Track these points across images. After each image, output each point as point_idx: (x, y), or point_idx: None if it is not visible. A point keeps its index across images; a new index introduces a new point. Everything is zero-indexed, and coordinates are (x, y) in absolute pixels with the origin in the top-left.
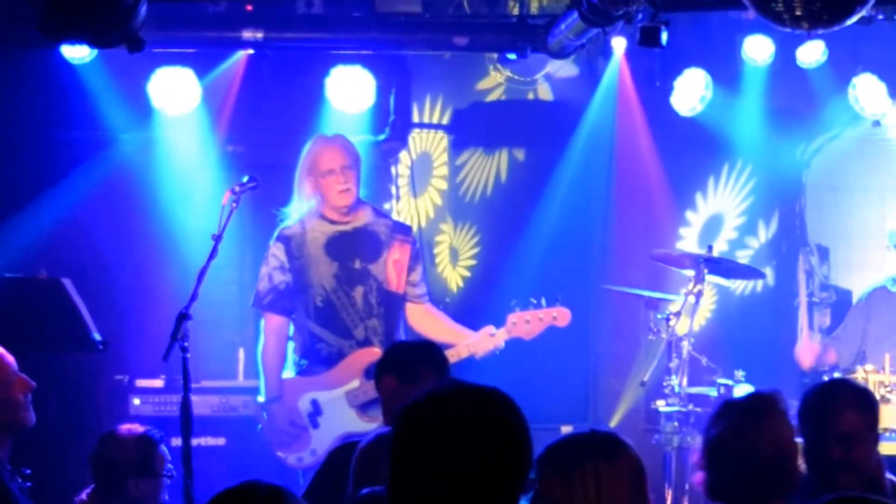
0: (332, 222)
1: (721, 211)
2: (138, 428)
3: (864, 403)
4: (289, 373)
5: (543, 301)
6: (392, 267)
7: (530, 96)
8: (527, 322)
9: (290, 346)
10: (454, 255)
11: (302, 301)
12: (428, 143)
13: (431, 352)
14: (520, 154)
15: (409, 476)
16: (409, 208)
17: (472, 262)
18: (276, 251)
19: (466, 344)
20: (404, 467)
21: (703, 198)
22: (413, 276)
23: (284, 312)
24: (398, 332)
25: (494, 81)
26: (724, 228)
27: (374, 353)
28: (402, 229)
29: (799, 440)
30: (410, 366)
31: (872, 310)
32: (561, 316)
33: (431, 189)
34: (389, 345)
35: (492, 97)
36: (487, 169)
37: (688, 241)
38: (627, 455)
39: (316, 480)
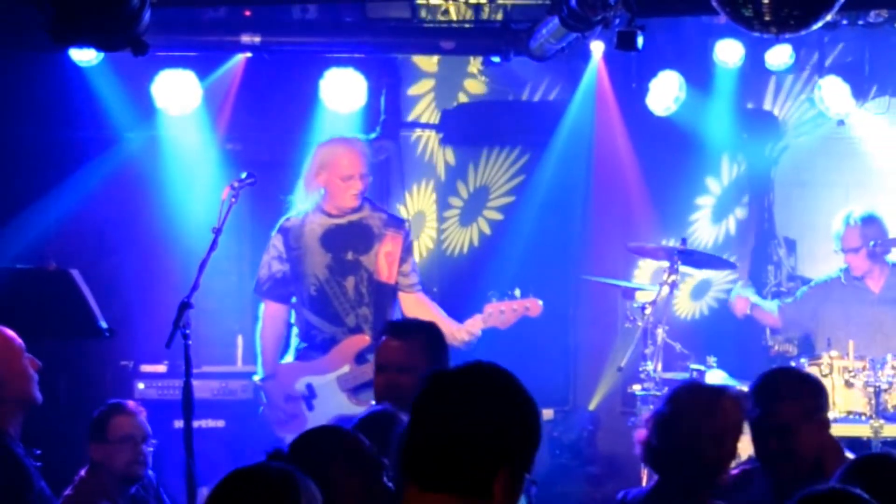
0: (331, 216)
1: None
2: (127, 402)
3: (800, 392)
4: (290, 357)
5: (518, 292)
6: (384, 259)
7: (513, 97)
8: (501, 312)
9: (294, 331)
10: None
11: (298, 289)
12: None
13: (423, 325)
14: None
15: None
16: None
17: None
18: (276, 242)
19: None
20: (415, 436)
21: (717, 179)
22: (405, 266)
23: (282, 300)
24: (390, 319)
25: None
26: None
27: (364, 339)
28: (395, 222)
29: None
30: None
31: (828, 296)
32: (533, 306)
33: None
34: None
35: (477, 98)
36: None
37: (701, 221)
38: None
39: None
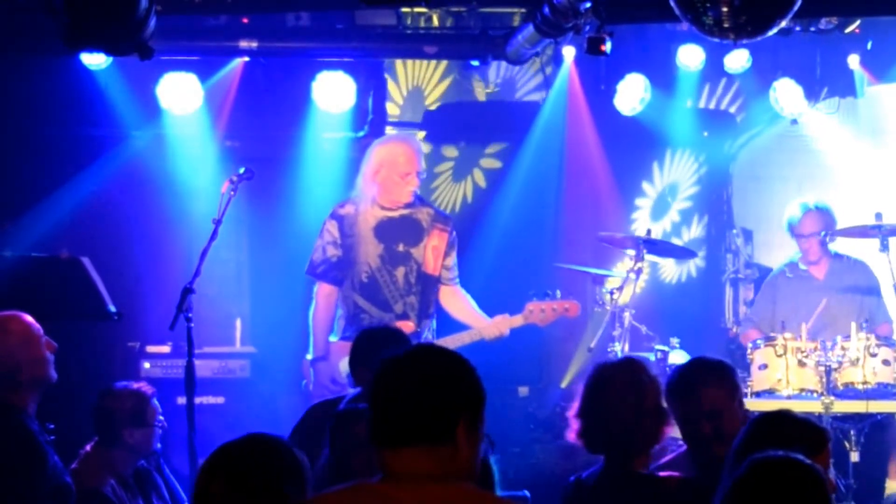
0: (384, 208)
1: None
2: (133, 384)
3: (721, 377)
4: (334, 338)
5: (558, 293)
6: (430, 252)
7: (491, 98)
8: (542, 311)
9: (339, 313)
10: None
11: (349, 275)
12: None
13: (397, 335)
14: (486, 149)
15: (384, 413)
16: None
17: None
18: (331, 227)
19: (478, 328)
20: (381, 406)
21: (651, 182)
22: (448, 260)
23: (334, 282)
24: (431, 308)
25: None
26: (670, 210)
27: (410, 326)
28: (442, 218)
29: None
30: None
31: (776, 295)
32: (572, 308)
33: None
34: (357, 334)
35: (458, 98)
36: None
37: (640, 222)
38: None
39: (294, 435)
